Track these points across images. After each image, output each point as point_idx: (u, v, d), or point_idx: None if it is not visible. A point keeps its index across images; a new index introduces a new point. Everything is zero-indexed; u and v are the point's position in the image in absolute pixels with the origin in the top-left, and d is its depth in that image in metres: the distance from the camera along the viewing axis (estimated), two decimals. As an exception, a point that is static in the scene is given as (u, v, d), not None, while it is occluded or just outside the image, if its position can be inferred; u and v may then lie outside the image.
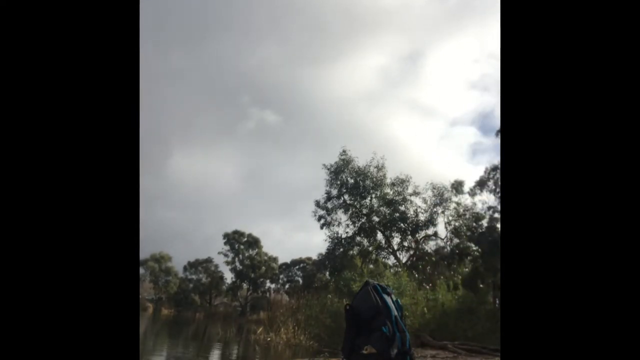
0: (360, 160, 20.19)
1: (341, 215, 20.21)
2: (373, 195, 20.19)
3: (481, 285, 15.25)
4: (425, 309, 11.26)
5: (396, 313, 2.66)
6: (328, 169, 20.09)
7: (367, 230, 19.99)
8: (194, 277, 42.00)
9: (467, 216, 19.39)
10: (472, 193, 19.25)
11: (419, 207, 19.93)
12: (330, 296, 13.09)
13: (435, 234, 19.94)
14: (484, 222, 18.49)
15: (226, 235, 38.97)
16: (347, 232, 20.15)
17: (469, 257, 17.95)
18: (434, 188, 20.04)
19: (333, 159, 20.60)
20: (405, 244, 20.25)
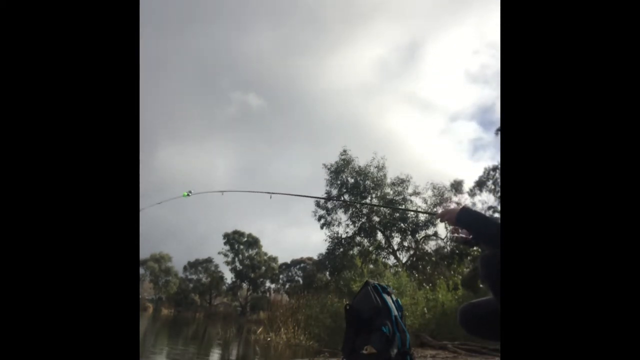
0: (361, 159, 20.23)
1: (341, 215, 20.25)
2: (373, 195, 20.19)
3: (481, 285, 15.24)
4: (425, 309, 11.24)
5: (396, 313, 2.66)
6: (328, 169, 20.11)
7: (367, 230, 19.99)
8: (194, 277, 42.03)
9: (468, 216, 19.32)
10: (472, 193, 19.28)
11: (419, 207, 19.94)
12: (330, 296, 13.08)
13: (435, 234, 19.96)
14: (484, 222, 18.43)
15: (226, 235, 38.97)
16: (347, 232, 20.18)
17: (469, 257, 17.93)
18: (434, 188, 20.09)
19: (329, 153, 20.73)
20: (405, 244, 20.27)
